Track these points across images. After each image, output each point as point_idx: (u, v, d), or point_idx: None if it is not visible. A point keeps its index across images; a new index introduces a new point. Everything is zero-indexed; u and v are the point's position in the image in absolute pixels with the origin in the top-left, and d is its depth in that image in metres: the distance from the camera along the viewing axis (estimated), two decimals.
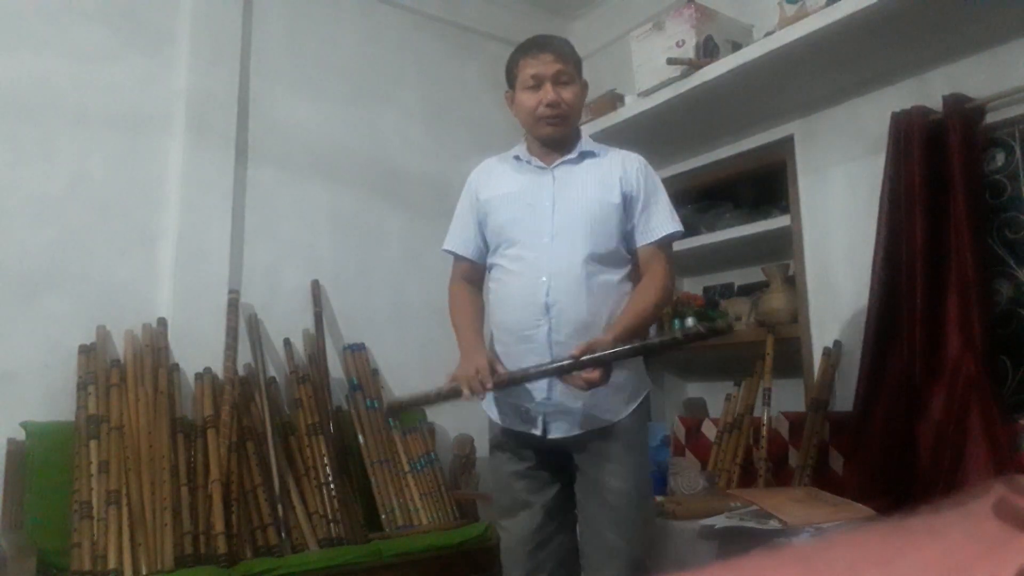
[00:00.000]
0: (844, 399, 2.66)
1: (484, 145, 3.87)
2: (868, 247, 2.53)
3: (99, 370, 2.51)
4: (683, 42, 2.79)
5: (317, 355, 3.00)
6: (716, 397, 3.28)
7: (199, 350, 2.73)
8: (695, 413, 3.38)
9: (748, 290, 3.43)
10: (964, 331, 2.26)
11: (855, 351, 2.56)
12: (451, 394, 1.66)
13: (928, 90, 2.51)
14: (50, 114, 2.66)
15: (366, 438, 2.93)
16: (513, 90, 1.83)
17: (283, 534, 2.49)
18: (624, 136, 3.20)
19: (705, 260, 3.59)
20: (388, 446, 2.97)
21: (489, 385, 1.58)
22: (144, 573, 2.21)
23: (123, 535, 2.24)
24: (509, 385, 1.64)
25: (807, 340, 2.83)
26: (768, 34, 2.57)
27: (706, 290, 3.71)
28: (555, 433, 1.72)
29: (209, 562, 2.29)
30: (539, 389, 1.70)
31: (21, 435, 2.40)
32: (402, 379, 3.29)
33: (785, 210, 3.02)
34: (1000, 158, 2.42)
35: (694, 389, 3.75)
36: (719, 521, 2.17)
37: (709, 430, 3.08)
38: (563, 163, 1.79)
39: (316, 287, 3.13)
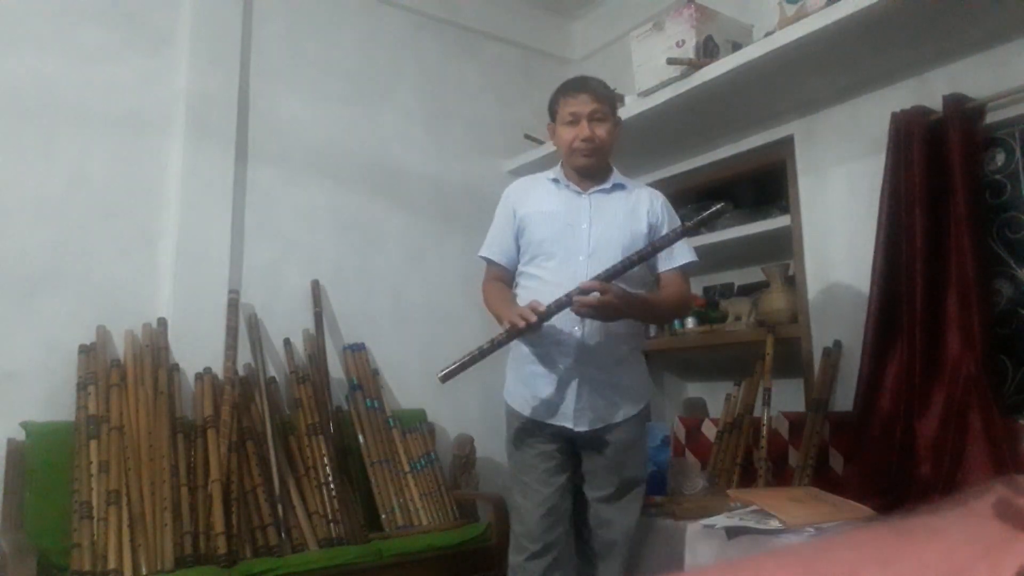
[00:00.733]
0: (844, 399, 2.66)
1: (484, 145, 3.90)
2: (868, 247, 2.53)
3: (99, 370, 2.51)
4: (683, 42, 2.79)
5: (317, 355, 3.00)
6: (716, 397, 3.28)
7: (199, 350, 2.73)
8: (695, 413, 3.38)
9: (748, 290, 3.43)
10: (964, 331, 2.26)
11: (855, 351, 2.56)
12: (509, 335, 1.84)
13: (928, 90, 2.51)
14: (50, 114, 2.66)
15: (366, 438, 2.93)
16: (553, 122, 2.08)
17: (283, 534, 2.49)
18: (624, 136, 3.20)
19: (705, 260, 3.56)
20: (388, 446, 2.97)
21: (536, 316, 1.78)
22: (144, 573, 2.21)
23: (123, 535, 2.24)
24: (547, 317, 1.82)
25: (807, 340, 2.83)
26: (768, 34, 2.57)
27: (706, 290, 3.71)
28: (580, 427, 1.97)
29: (209, 562, 2.29)
30: (571, 393, 1.96)
31: (21, 435, 2.40)
32: (402, 379, 3.29)
33: (785, 210, 3.02)
34: (1000, 158, 2.42)
35: (694, 389, 3.75)
36: (719, 521, 2.17)
37: (709, 430, 3.08)
38: (597, 191, 2.03)
39: (316, 287, 3.13)
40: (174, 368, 2.66)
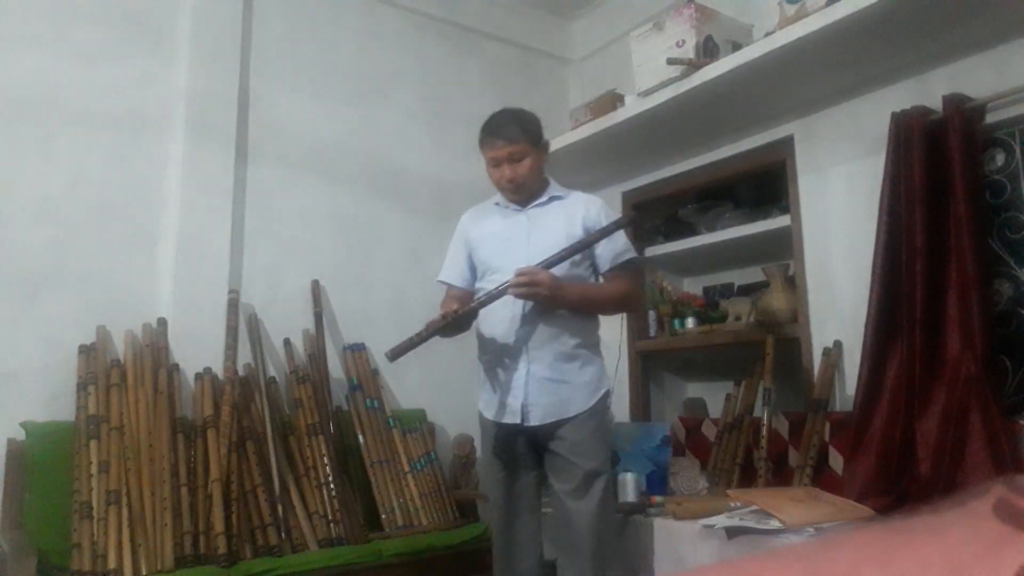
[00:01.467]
0: (844, 399, 2.66)
1: None
2: (868, 247, 2.52)
3: (99, 370, 2.52)
4: (683, 42, 2.79)
5: (317, 355, 3.00)
6: (716, 397, 3.28)
7: (199, 350, 2.73)
8: (695, 413, 3.38)
9: (748, 290, 3.43)
10: (964, 331, 2.26)
11: (855, 351, 2.56)
12: (442, 320, 2.03)
13: (928, 90, 2.51)
14: (50, 114, 2.66)
15: (366, 438, 2.93)
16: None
17: (283, 534, 2.50)
18: (624, 136, 3.21)
19: (705, 260, 3.59)
20: (388, 446, 2.97)
21: (455, 306, 2.03)
22: (144, 573, 2.21)
23: (123, 535, 2.24)
24: (475, 308, 2.04)
25: (807, 340, 2.83)
26: (768, 34, 2.57)
27: (706, 290, 3.71)
28: (532, 421, 2.09)
29: (209, 562, 2.30)
30: (518, 387, 2.09)
31: (21, 435, 2.40)
32: (402, 379, 3.29)
33: (785, 210, 3.02)
34: (1000, 158, 2.42)
35: (694, 389, 3.75)
36: (719, 521, 2.17)
37: (709, 430, 3.08)
38: (535, 206, 2.22)
39: (316, 287, 3.13)
40: (174, 368, 2.66)
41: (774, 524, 2.05)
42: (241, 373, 2.77)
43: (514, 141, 2.14)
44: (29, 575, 2.01)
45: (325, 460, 2.71)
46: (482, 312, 2.11)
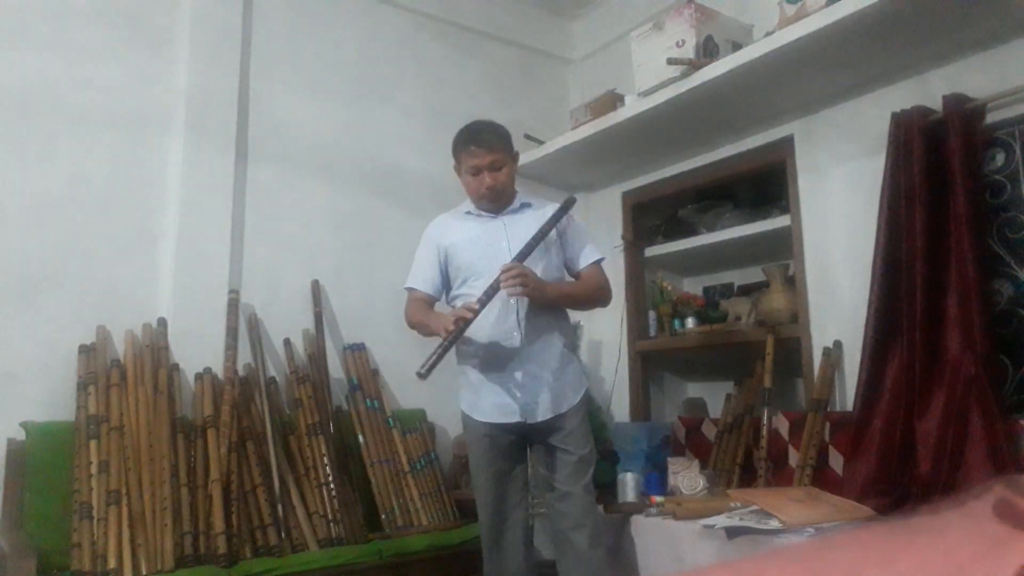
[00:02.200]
0: (844, 399, 2.67)
1: None
2: (868, 247, 2.52)
3: (99, 370, 2.51)
4: (683, 42, 2.79)
5: (317, 355, 3.00)
6: (716, 397, 3.29)
7: (199, 350, 2.73)
8: (695, 413, 3.39)
9: (748, 290, 3.43)
10: (964, 331, 2.26)
11: (855, 351, 2.56)
12: (458, 327, 2.03)
13: (928, 90, 2.51)
14: (50, 114, 2.66)
15: (366, 438, 2.93)
16: (458, 172, 2.32)
17: (283, 534, 2.49)
18: (624, 136, 3.21)
19: (705, 260, 3.59)
20: (388, 446, 2.97)
21: (468, 314, 2.03)
22: (144, 573, 2.21)
23: (123, 535, 2.24)
24: (482, 305, 2.06)
25: (807, 340, 2.83)
26: (768, 34, 2.57)
27: (706, 290, 3.71)
28: (537, 417, 2.19)
29: (209, 562, 2.29)
30: (518, 386, 2.18)
31: (21, 435, 2.40)
32: (402, 379, 3.28)
33: (785, 210, 3.02)
34: (1000, 158, 2.42)
35: (694, 389, 3.75)
36: (719, 521, 2.17)
37: (709, 430, 3.08)
38: (508, 212, 2.30)
39: (316, 287, 3.13)
40: (174, 368, 2.66)
41: (774, 524, 2.05)
42: (241, 373, 2.77)
43: (494, 150, 2.23)
44: (29, 575, 2.01)
45: (325, 460, 2.71)
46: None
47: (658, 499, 2.55)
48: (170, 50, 2.94)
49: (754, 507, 2.20)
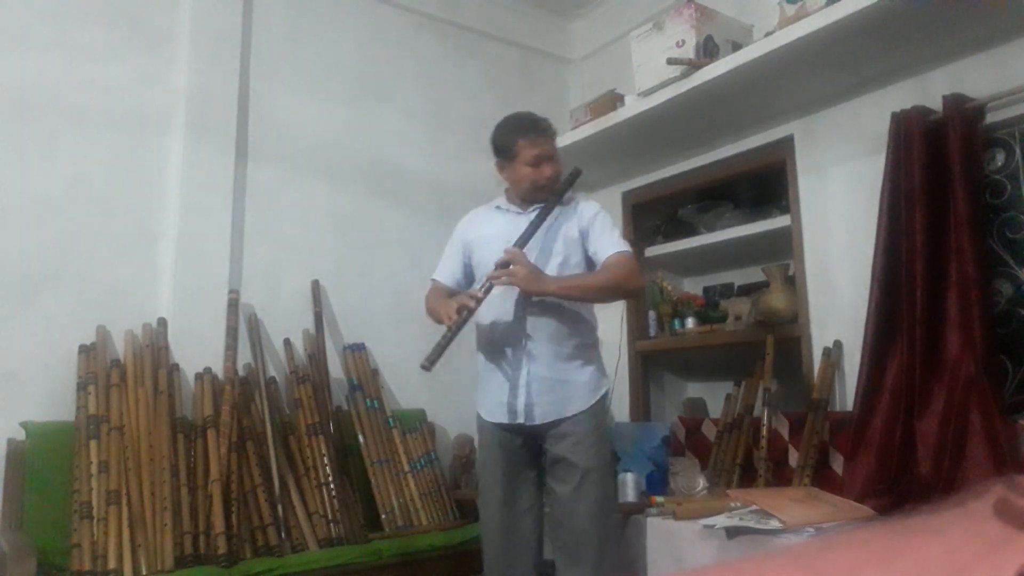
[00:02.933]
0: (844, 399, 2.66)
1: (484, 145, 3.85)
2: (868, 247, 2.52)
3: (99, 370, 2.51)
4: (683, 42, 2.79)
5: (317, 355, 3.00)
6: (716, 397, 3.28)
7: (199, 350, 2.73)
8: (695, 413, 3.38)
9: (748, 290, 3.43)
10: (964, 331, 2.26)
11: (855, 351, 2.56)
12: (461, 315, 1.99)
13: (928, 90, 2.51)
14: (50, 114, 2.66)
15: (366, 438, 2.93)
16: (509, 162, 2.20)
17: (283, 534, 2.50)
18: (624, 136, 3.21)
19: (705, 260, 3.59)
20: (388, 446, 2.97)
21: (471, 302, 2.00)
22: (144, 573, 2.21)
23: (123, 535, 2.24)
24: (485, 293, 2.02)
25: (807, 340, 2.83)
26: (768, 34, 2.57)
27: (706, 290, 3.71)
28: (531, 421, 2.10)
29: (209, 562, 2.29)
30: (519, 387, 2.11)
31: (21, 435, 2.40)
32: (402, 379, 3.29)
33: (785, 210, 3.02)
34: (1000, 158, 2.42)
35: (694, 389, 3.75)
36: (719, 521, 2.17)
37: (709, 430, 3.08)
38: (535, 209, 2.17)
39: (316, 287, 3.13)
40: (174, 368, 2.66)
41: (774, 524, 2.05)
42: (241, 373, 2.77)
43: (553, 139, 2.18)
44: (29, 575, 2.01)
45: (325, 460, 2.71)
46: (482, 312, 2.11)
47: (658, 499, 2.55)
48: (170, 50, 2.94)
49: (754, 507, 2.20)
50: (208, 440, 2.52)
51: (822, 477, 2.52)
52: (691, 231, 3.52)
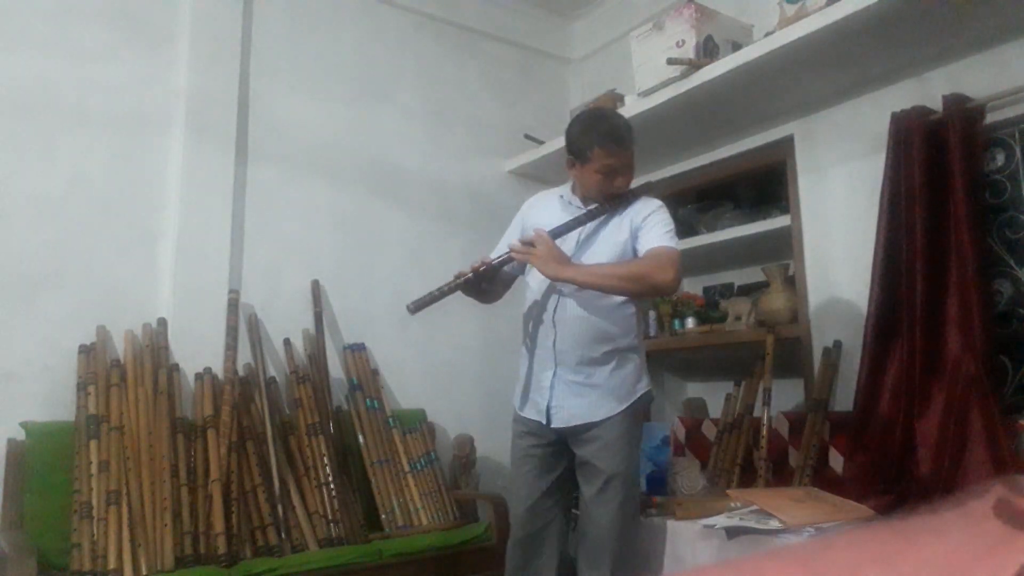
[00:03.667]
0: (844, 399, 2.66)
1: (484, 145, 3.90)
2: (868, 247, 2.53)
3: (99, 370, 2.51)
4: (683, 42, 2.79)
5: (317, 355, 3.00)
6: (716, 397, 3.28)
7: (199, 350, 2.73)
8: (695, 413, 3.38)
9: (748, 290, 3.43)
10: (964, 331, 2.26)
11: (855, 351, 2.56)
12: (455, 280, 2.04)
13: (928, 90, 2.51)
14: (50, 114, 2.66)
15: (366, 438, 2.93)
16: (580, 162, 2.09)
17: (283, 534, 2.49)
18: None
19: (705, 260, 3.59)
20: (388, 446, 2.97)
21: (469, 271, 2.03)
22: (144, 573, 2.21)
23: (123, 535, 2.24)
24: (491, 267, 2.06)
25: (807, 340, 2.83)
26: (768, 34, 2.57)
27: (706, 290, 3.71)
28: (555, 424, 2.07)
29: (209, 562, 2.29)
30: (545, 387, 2.08)
31: (21, 435, 2.40)
32: (402, 379, 3.29)
33: (785, 210, 3.02)
34: (1000, 158, 2.42)
35: (694, 389, 3.75)
36: (719, 521, 2.17)
37: (709, 430, 3.08)
38: (597, 207, 2.10)
39: (316, 287, 3.13)
40: (174, 368, 2.66)
41: (774, 524, 2.05)
42: (241, 373, 2.77)
43: (631, 150, 2.08)
44: (29, 575, 2.01)
45: (325, 460, 2.71)
46: (525, 310, 2.16)
47: (658, 499, 2.55)
48: (170, 50, 2.94)
49: (754, 507, 2.20)
50: (208, 440, 2.52)
51: (822, 477, 2.52)
52: (691, 231, 3.52)
